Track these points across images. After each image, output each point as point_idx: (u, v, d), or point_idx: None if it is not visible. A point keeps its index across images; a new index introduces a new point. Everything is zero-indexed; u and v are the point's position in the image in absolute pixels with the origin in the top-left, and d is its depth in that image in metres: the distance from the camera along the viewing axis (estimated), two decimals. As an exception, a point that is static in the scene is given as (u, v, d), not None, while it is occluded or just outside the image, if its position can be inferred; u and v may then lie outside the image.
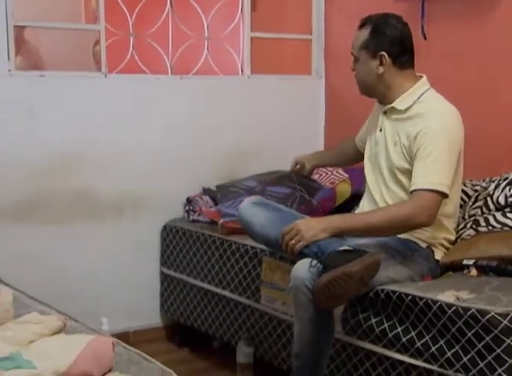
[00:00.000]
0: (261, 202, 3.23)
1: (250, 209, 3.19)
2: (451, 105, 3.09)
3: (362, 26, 3.14)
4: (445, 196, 2.92)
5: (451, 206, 3.11)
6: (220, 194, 4.03)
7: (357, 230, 2.95)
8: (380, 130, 3.18)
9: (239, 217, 3.28)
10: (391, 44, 3.08)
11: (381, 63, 3.08)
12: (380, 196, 3.15)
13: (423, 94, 3.09)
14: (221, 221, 3.81)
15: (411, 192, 2.95)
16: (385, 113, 3.16)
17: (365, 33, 3.11)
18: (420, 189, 2.91)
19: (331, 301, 2.79)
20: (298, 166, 3.76)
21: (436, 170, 2.92)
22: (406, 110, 3.07)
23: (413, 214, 2.88)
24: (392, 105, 3.11)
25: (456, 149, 3.00)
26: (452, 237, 3.17)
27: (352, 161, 3.66)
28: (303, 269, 2.83)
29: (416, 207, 2.88)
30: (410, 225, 2.94)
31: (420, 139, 2.96)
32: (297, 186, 3.91)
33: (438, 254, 3.09)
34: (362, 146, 3.42)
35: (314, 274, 2.79)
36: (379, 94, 3.17)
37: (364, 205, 3.25)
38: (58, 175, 3.93)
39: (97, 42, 4.61)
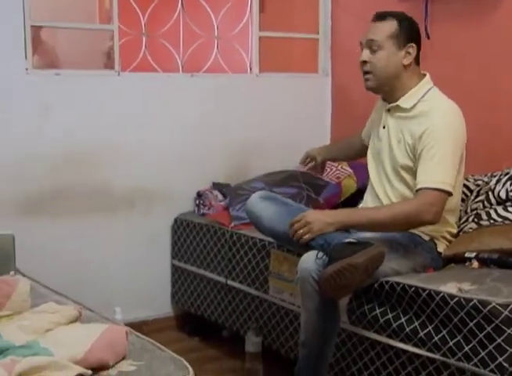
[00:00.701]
0: (269, 196, 3.22)
1: (259, 203, 3.18)
2: (453, 103, 3.07)
3: (381, 18, 3.07)
4: (449, 194, 2.91)
5: (453, 201, 3.10)
6: (229, 198, 4.02)
7: (362, 225, 2.95)
8: (384, 127, 3.16)
9: (248, 211, 3.27)
10: (418, 37, 3.10)
11: (407, 54, 3.05)
12: (384, 192, 3.14)
13: (426, 92, 3.08)
14: (232, 225, 3.81)
15: (416, 190, 2.93)
16: (389, 110, 3.14)
17: (393, 24, 3.04)
18: (425, 188, 2.89)
19: (337, 292, 2.79)
20: (309, 160, 3.67)
21: (441, 169, 2.91)
22: (411, 108, 3.06)
23: (419, 211, 2.87)
24: (397, 103, 3.09)
25: (459, 147, 2.99)
26: (454, 231, 3.17)
27: (359, 156, 3.63)
28: (309, 260, 2.83)
29: (421, 205, 2.87)
30: (416, 223, 2.93)
31: (426, 138, 2.94)
32: (304, 186, 3.91)
33: (441, 247, 3.09)
34: (367, 141, 3.41)
35: (320, 266, 2.79)
36: (389, 87, 3.10)
37: (367, 201, 3.25)
38: (73, 170, 3.94)
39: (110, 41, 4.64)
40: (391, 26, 3.04)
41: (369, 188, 3.29)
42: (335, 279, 2.69)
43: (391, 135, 3.11)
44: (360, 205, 3.31)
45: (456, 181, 3.00)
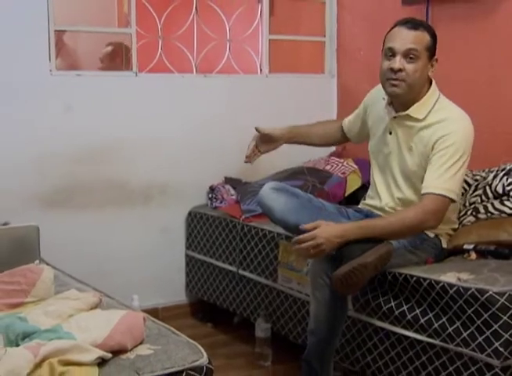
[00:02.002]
0: (280, 187, 3.11)
1: (270, 194, 3.07)
2: (463, 111, 2.98)
3: (416, 28, 2.90)
4: (453, 201, 2.88)
5: (455, 210, 3.12)
6: (240, 195, 4.02)
7: (369, 236, 2.82)
8: (390, 133, 3.04)
9: (260, 202, 3.17)
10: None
11: (431, 67, 2.97)
12: (390, 197, 3.07)
13: (436, 101, 2.97)
14: (243, 217, 3.81)
15: (422, 194, 2.87)
16: (394, 118, 3.01)
17: (427, 36, 2.91)
18: (431, 193, 2.83)
19: (349, 290, 2.78)
20: (257, 137, 3.44)
21: (450, 177, 2.84)
22: (424, 119, 2.94)
23: (423, 221, 2.82)
24: (407, 112, 2.96)
25: (468, 156, 2.91)
26: (456, 226, 3.15)
27: (331, 144, 3.57)
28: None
29: (425, 214, 2.81)
30: (420, 230, 2.89)
31: (439, 145, 2.86)
32: (309, 178, 3.90)
33: (445, 243, 3.07)
34: (351, 135, 3.36)
35: (329, 258, 2.80)
36: (412, 96, 2.95)
37: (370, 202, 3.19)
38: (93, 165, 3.95)
39: (109, 44, 4.64)
40: (426, 37, 2.90)
41: (371, 190, 3.23)
42: (347, 279, 2.68)
43: (400, 142, 3.01)
44: (362, 202, 3.27)
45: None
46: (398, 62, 2.86)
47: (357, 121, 3.33)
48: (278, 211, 3.01)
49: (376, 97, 3.16)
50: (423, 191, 2.88)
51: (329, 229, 2.76)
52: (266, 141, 3.48)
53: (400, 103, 2.99)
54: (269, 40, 4.52)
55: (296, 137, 3.51)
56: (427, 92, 2.98)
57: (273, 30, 4.54)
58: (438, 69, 3.91)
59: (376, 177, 3.17)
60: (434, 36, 2.95)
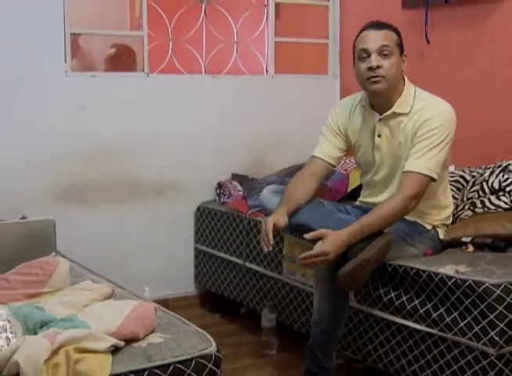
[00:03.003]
0: (279, 190, 3.10)
1: (271, 197, 3.09)
2: (441, 99, 2.98)
3: (382, 27, 2.91)
4: (433, 180, 2.87)
5: (447, 195, 3.11)
6: (247, 191, 4.02)
7: (368, 233, 2.80)
8: (379, 136, 3.00)
9: (261, 205, 3.21)
10: None
11: (403, 62, 2.95)
12: (388, 194, 2.99)
13: (415, 93, 2.96)
14: (249, 212, 3.81)
15: (403, 172, 2.87)
16: (380, 120, 2.98)
17: (393, 34, 2.91)
18: (412, 172, 2.83)
19: (352, 285, 2.78)
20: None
21: (431, 156, 2.84)
22: (409, 112, 2.93)
23: (406, 205, 2.79)
24: (393, 110, 2.94)
25: (450, 139, 2.90)
26: (450, 212, 3.13)
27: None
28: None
29: (407, 199, 2.79)
30: (406, 213, 2.86)
31: (423, 128, 2.86)
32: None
33: (442, 234, 3.07)
34: (334, 160, 3.11)
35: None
36: (392, 92, 2.93)
37: (367, 199, 3.15)
38: (107, 162, 3.96)
39: (113, 45, 4.64)
40: (394, 35, 2.92)
41: (367, 187, 3.20)
42: (352, 276, 2.68)
43: (390, 141, 2.98)
44: (359, 200, 3.25)
45: (444, 177, 3.02)
46: (374, 60, 2.86)
47: (335, 143, 3.12)
48: None
49: (346, 112, 3.11)
50: (404, 169, 2.87)
51: (336, 242, 2.71)
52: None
53: (382, 102, 2.96)
54: (275, 42, 4.53)
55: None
56: (403, 87, 2.97)
57: (278, 33, 4.54)
58: (434, 70, 3.92)
59: (373, 178, 3.12)
60: (399, 34, 2.95)
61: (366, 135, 3.05)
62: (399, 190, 2.85)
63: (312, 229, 2.81)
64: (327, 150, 3.11)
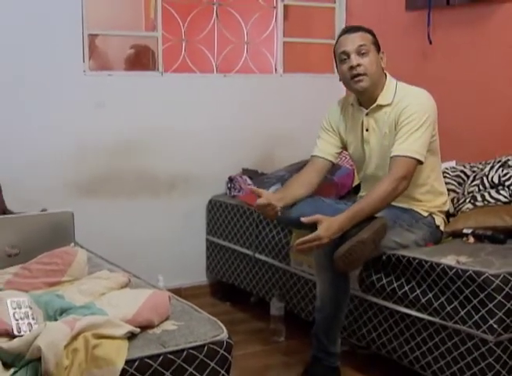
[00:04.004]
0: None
1: None
2: (422, 88, 3.02)
3: (356, 30, 3.00)
4: (420, 162, 2.89)
5: (441, 182, 3.13)
6: (256, 185, 3.99)
7: (362, 218, 2.81)
8: (367, 130, 3.06)
9: None
10: None
11: (381, 60, 3.00)
12: None
13: (396, 85, 3.02)
14: None
15: (391, 157, 2.89)
16: (367, 114, 3.04)
17: (368, 34, 2.99)
18: (399, 156, 2.86)
19: (350, 266, 2.79)
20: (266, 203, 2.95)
21: (414, 139, 2.87)
22: (391, 102, 2.98)
23: (396, 187, 2.81)
24: (377, 103, 3.00)
25: (431, 122, 2.93)
26: (445, 199, 3.14)
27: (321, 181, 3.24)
28: None
29: (396, 181, 2.81)
30: (397, 195, 2.86)
31: (403, 115, 2.91)
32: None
33: (438, 221, 3.08)
34: (334, 155, 3.18)
35: (331, 242, 2.79)
36: (374, 88, 2.98)
37: (368, 190, 3.12)
38: (123, 157, 3.97)
39: (132, 46, 4.64)
40: (368, 35, 2.99)
41: (363, 182, 3.22)
42: (347, 256, 2.70)
43: (377, 133, 3.03)
44: (359, 195, 3.25)
45: (435, 166, 3.05)
46: (354, 59, 2.95)
47: (331, 141, 3.18)
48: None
49: (338, 113, 3.19)
50: (391, 154, 2.90)
51: (330, 227, 2.73)
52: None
53: (368, 98, 3.03)
54: (283, 42, 4.53)
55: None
56: (385, 81, 3.03)
57: (287, 34, 4.54)
58: (436, 69, 3.90)
59: (366, 172, 3.16)
60: (373, 34, 3.03)
61: (356, 131, 3.11)
62: (387, 175, 2.88)
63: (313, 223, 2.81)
64: (324, 148, 3.18)
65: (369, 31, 3.03)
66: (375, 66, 2.96)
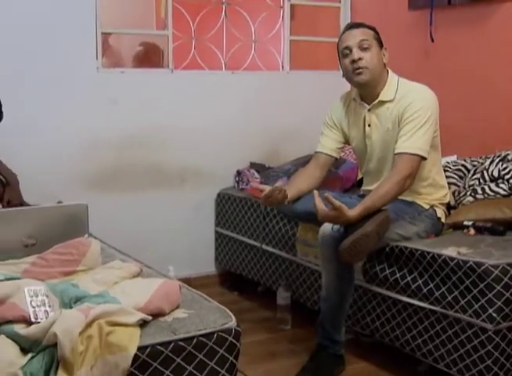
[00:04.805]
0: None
1: None
2: (424, 85, 3.01)
3: (358, 26, 3.00)
4: (424, 159, 2.89)
5: (441, 175, 3.12)
6: (264, 179, 4.01)
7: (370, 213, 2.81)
8: (369, 125, 3.05)
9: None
10: None
11: (384, 56, 2.99)
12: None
13: (398, 81, 3.01)
14: None
15: (396, 154, 2.89)
16: (369, 110, 3.03)
17: (370, 30, 2.99)
18: (404, 153, 2.86)
19: (355, 258, 2.79)
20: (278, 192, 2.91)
21: (419, 136, 2.87)
22: (393, 99, 2.97)
23: (403, 185, 2.82)
24: (379, 99, 2.99)
25: (434, 118, 2.93)
26: (446, 192, 3.14)
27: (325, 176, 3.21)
28: (327, 230, 2.84)
29: (403, 179, 2.81)
30: (403, 191, 2.86)
31: (407, 112, 2.90)
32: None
33: (439, 213, 3.07)
34: (337, 150, 3.18)
35: (336, 233, 2.81)
36: (375, 82, 2.98)
37: (368, 188, 3.13)
38: (134, 151, 3.97)
39: (141, 43, 4.64)
40: (370, 31, 2.99)
41: (366, 176, 3.21)
42: (352, 249, 2.70)
43: (379, 129, 3.02)
44: (362, 189, 3.25)
45: (435, 161, 3.04)
46: (355, 53, 2.95)
47: (333, 137, 3.18)
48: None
49: (340, 108, 3.18)
50: (396, 151, 2.89)
51: (351, 216, 2.72)
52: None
53: (369, 93, 3.02)
54: (290, 40, 4.53)
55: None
56: (387, 77, 3.01)
57: (293, 32, 4.54)
58: (438, 66, 3.89)
59: (368, 167, 3.15)
60: (375, 30, 3.02)
61: (358, 126, 3.10)
62: (394, 172, 2.87)
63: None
64: (327, 144, 3.18)
65: (372, 28, 3.02)
66: (376, 61, 2.95)
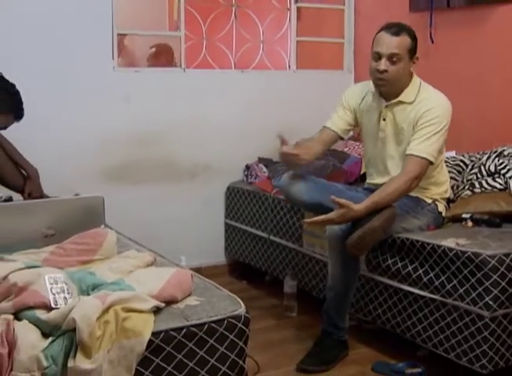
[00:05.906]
0: (296, 175, 3.06)
1: (289, 182, 3.04)
2: (440, 92, 2.98)
3: (398, 33, 2.85)
4: (431, 164, 2.88)
5: (443, 172, 3.10)
6: (271, 173, 4.01)
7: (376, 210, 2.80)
8: (384, 119, 3.02)
9: (280, 187, 3.22)
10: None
11: (413, 64, 2.92)
12: (390, 175, 2.99)
13: (420, 86, 2.97)
14: (274, 191, 3.80)
15: (407, 154, 2.87)
16: (386, 106, 2.99)
17: (408, 39, 2.86)
18: (415, 156, 2.85)
19: (361, 251, 2.80)
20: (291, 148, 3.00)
21: (432, 143, 2.86)
22: (413, 101, 2.94)
23: (410, 185, 2.82)
24: (399, 99, 2.95)
25: (447, 127, 2.92)
26: (447, 188, 3.13)
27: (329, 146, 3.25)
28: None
29: (411, 179, 2.81)
30: (409, 191, 2.87)
31: (425, 117, 2.88)
32: (330, 158, 3.88)
33: (441, 207, 3.07)
34: (342, 132, 3.13)
35: (344, 226, 2.81)
36: (396, 89, 2.94)
37: (373, 181, 3.14)
38: (148, 147, 3.98)
39: (154, 45, 4.65)
40: (407, 41, 2.86)
41: (371, 169, 3.17)
42: (359, 243, 2.71)
43: (393, 126, 3.00)
44: (367, 182, 3.24)
45: (441, 161, 3.03)
46: (383, 64, 2.86)
47: (345, 118, 3.14)
48: (296, 194, 2.99)
49: (358, 96, 3.11)
50: (407, 152, 2.88)
51: (345, 215, 2.73)
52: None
53: (389, 93, 2.98)
54: (296, 41, 4.52)
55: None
56: (410, 80, 2.97)
57: (300, 33, 4.54)
58: (438, 66, 3.88)
59: (374, 159, 3.12)
60: (414, 38, 2.91)
61: (372, 117, 3.07)
62: (403, 172, 2.87)
63: (326, 207, 2.80)
64: (337, 122, 3.14)
65: (411, 34, 2.89)
66: (401, 72, 2.88)
